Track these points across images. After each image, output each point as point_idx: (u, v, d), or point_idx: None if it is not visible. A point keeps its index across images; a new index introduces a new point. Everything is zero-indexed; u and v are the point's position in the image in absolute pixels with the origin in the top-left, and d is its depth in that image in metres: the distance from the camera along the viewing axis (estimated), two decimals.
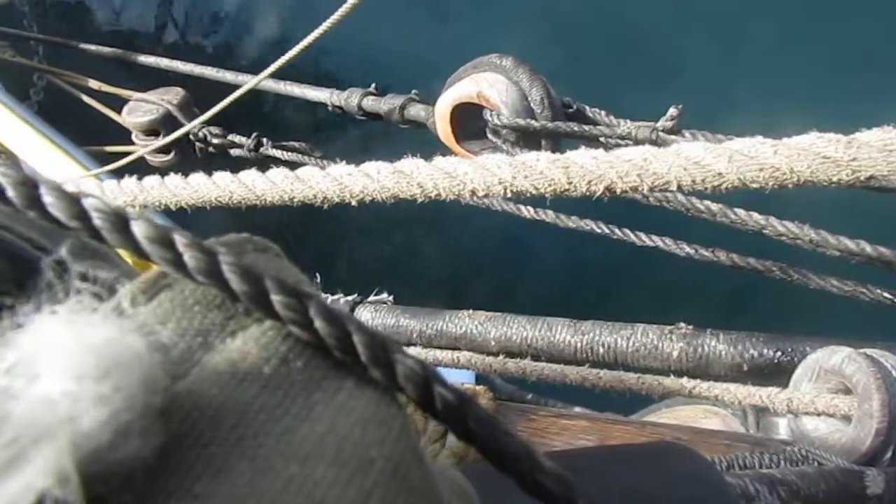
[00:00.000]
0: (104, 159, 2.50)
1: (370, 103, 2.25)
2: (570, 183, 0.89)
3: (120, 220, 0.35)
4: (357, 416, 0.35)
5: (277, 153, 2.47)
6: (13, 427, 0.29)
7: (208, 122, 2.62)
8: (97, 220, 0.35)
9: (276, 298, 0.35)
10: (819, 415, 1.15)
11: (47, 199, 0.35)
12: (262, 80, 2.31)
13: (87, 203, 0.35)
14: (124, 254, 0.47)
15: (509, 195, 0.93)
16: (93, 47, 3.23)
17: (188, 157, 2.64)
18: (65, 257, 0.34)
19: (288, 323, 0.36)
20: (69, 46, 3.37)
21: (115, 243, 0.35)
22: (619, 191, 0.88)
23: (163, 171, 1.18)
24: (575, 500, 0.36)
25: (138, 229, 0.35)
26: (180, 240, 0.35)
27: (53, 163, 2.39)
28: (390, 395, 0.37)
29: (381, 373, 0.36)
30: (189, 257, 0.35)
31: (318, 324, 0.35)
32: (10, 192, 0.35)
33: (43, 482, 0.28)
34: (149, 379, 0.32)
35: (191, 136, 2.64)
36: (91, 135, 2.81)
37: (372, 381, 0.37)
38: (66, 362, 0.31)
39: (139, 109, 2.70)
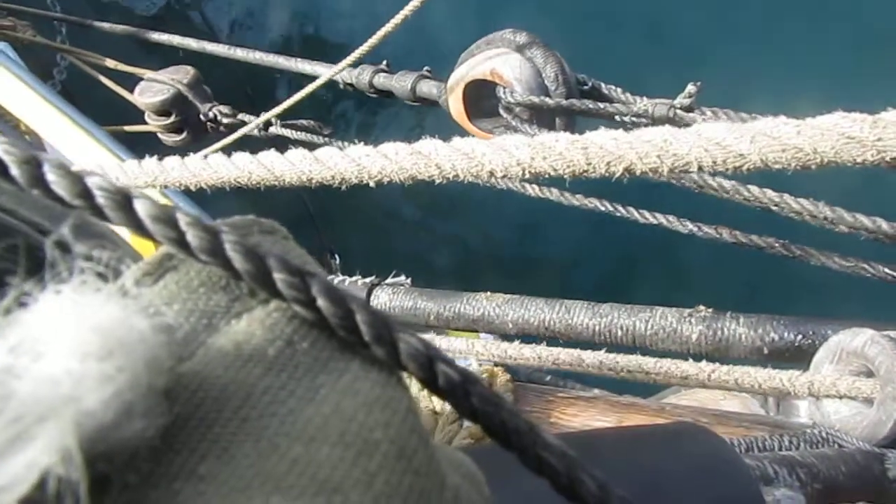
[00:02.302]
0: (123, 139, 2.51)
1: (381, 80, 2.23)
2: (588, 164, 0.88)
3: (123, 198, 0.35)
4: (362, 399, 0.35)
5: (287, 132, 2.47)
6: (17, 405, 0.29)
7: (220, 101, 2.63)
8: (100, 199, 0.35)
9: (278, 277, 0.35)
10: (841, 397, 1.14)
11: (50, 177, 0.35)
12: (272, 59, 2.31)
13: (91, 181, 0.35)
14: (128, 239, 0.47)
15: (528, 176, 0.93)
16: (107, 25, 3.24)
17: (200, 137, 2.66)
18: (67, 237, 0.34)
19: (291, 301, 0.35)
20: (85, 25, 3.38)
21: (118, 221, 0.35)
22: (638, 172, 0.87)
23: (178, 151, 1.18)
24: (578, 476, 0.35)
25: (141, 207, 0.35)
26: (183, 218, 0.35)
27: (77, 144, 2.40)
28: (396, 377, 0.37)
29: (384, 351, 0.36)
30: (192, 236, 0.35)
31: (321, 302, 0.35)
32: (14, 170, 0.35)
33: (46, 460, 0.28)
34: (153, 359, 0.32)
35: (201, 116, 2.65)
36: (113, 114, 2.83)
37: (377, 364, 0.36)
38: (70, 341, 0.31)
39: (150, 90, 2.71)
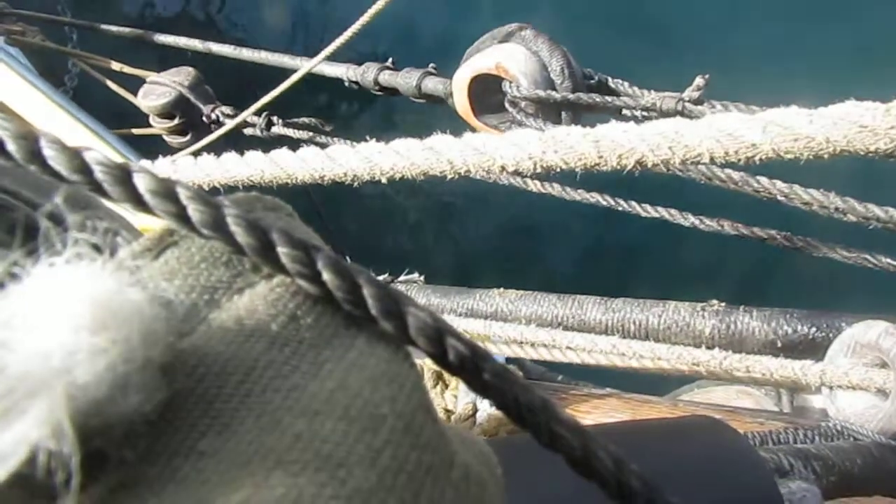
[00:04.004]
0: (131, 141, 2.51)
1: (387, 78, 2.22)
2: (600, 157, 0.87)
3: (123, 173, 0.34)
4: (368, 374, 0.34)
5: (289, 131, 2.47)
6: (8, 379, 0.28)
7: (222, 102, 2.63)
8: (99, 173, 0.34)
9: (282, 251, 0.34)
10: (853, 388, 1.12)
11: (48, 152, 0.34)
12: (277, 58, 2.31)
13: (89, 156, 0.34)
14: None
15: (539, 170, 0.92)
16: (113, 28, 3.24)
17: (204, 137, 2.65)
18: (61, 208, 0.33)
19: (295, 276, 0.34)
20: (91, 29, 3.39)
21: (117, 197, 0.34)
22: (650, 164, 0.86)
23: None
24: (594, 451, 0.34)
25: (141, 182, 0.34)
26: (184, 192, 0.34)
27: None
28: (402, 352, 0.36)
29: (392, 325, 0.34)
30: (193, 210, 0.34)
31: (327, 276, 0.34)
32: (11, 146, 0.34)
33: (37, 434, 0.28)
34: (149, 332, 0.31)
35: (204, 118, 2.65)
36: (122, 117, 2.83)
37: (383, 339, 0.35)
38: (62, 314, 0.30)
39: (153, 92, 2.71)
